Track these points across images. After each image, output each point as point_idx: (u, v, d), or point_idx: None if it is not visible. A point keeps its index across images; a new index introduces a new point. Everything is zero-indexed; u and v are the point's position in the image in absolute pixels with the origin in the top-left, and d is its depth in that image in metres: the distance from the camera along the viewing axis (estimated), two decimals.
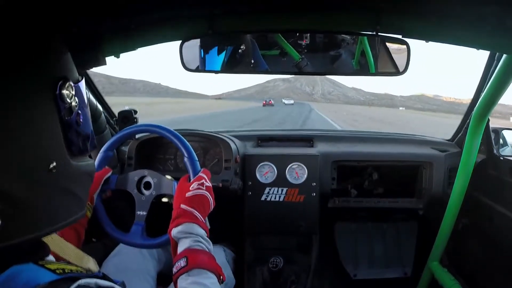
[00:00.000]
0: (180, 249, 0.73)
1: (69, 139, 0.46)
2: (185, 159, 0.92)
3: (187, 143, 0.95)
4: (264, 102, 53.76)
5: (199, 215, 0.78)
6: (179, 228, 0.75)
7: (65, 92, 0.45)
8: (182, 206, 0.78)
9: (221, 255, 1.20)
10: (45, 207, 0.44)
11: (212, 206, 0.84)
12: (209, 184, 0.86)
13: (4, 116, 0.39)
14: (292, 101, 67.27)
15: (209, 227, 0.81)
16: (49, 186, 0.44)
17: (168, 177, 0.97)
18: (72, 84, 0.47)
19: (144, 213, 0.94)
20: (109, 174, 0.96)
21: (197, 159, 0.94)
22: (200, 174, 0.88)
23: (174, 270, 0.69)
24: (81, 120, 0.49)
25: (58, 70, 0.46)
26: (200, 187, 0.83)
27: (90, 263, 0.62)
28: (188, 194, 0.81)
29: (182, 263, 0.68)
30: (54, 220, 0.46)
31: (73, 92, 0.47)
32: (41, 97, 0.43)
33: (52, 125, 0.44)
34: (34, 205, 0.43)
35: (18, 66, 0.41)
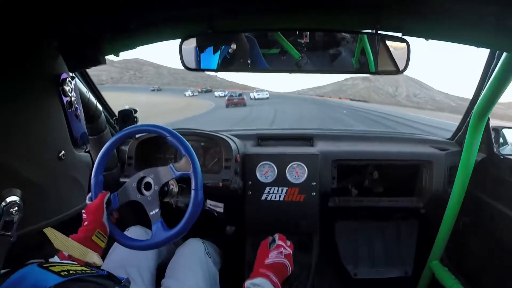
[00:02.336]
0: None
1: (71, 130, 0.51)
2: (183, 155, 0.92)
3: (186, 141, 0.95)
4: (229, 99, 28.52)
5: (275, 278, 0.85)
6: (254, 280, 0.82)
7: (66, 87, 0.50)
8: (261, 270, 0.87)
9: (200, 247, 1.17)
10: (58, 194, 0.49)
11: (289, 272, 0.92)
12: (288, 251, 0.96)
13: (20, 111, 0.44)
14: (266, 95, 38.28)
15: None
16: (60, 173, 0.49)
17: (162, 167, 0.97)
18: (71, 80, 0.52)
19: (157, 210, 0.93)
20: (108, 195, 0.95)
21: (197, 158, 0.94)
22: (278, 242, 0.99)
23: None
24: (78, 113, 0.54)
25: (58, 68, 0.51)
26: (279, 256, 0.93)
27: (95, 258, 0.65)
28: (267, 262, 0.90)
29: None
30: (64, 207, 0.50)
31: (72, 87, 0.52)
32: (48, 92, 0.48)
33: (58, 117, 0.49)
34: (49, 192, 0.47)
35: (28, 67, 0.46)
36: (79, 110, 0.54)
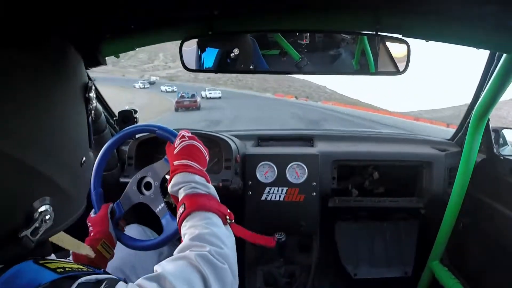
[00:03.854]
0: (180, 200, 0.69)
1: (90, 135, 0.54)
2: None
3: (174, 131, 0.92)
4: (179, 101, 21.46)
5: (192, 163, 0.73)
6: (172, 181, 0.71)
7: (91, 94, 0.52)
8: (174, 163, 0.75)
9: None
10: (76, 197, 0.51)
11: (205, 151, 0.79)
12: (189, 134, 0.82)
13: (55, 120, 0.45)
14: (219, 94, 33.10)
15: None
16: (81, 179, 0.51)
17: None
18: (93, 88, 0.53)
19: (162, 204, 0.91)
20: (111, 206, 0.92)
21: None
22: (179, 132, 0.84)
23: (177, 220, 0.67)
24: (93, 118, 0.56)
25: (84, 76, 0.53)
26: (183, 139, 0.78)
27: (87, 250, 0.66)
28: (175, 151, 0.77)
29: (181, 210, 0.66)
30: (79, 207, 0.53)
31: (94, 95, 0.54)
32: (78, 99, 0.50)
33: (84, 124, 0.51)
34: (72, 198, 0.49)
35: (62, 74, 0.47)
36: (93, 113, 0.56)
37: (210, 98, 32.06)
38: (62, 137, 0.46)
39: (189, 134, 0.81)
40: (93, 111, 0.54)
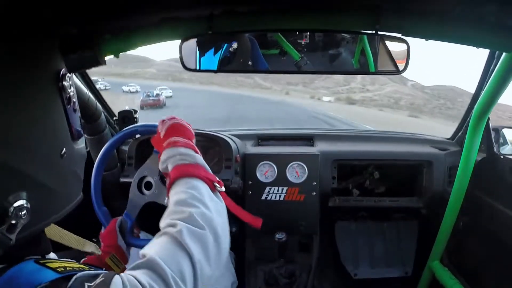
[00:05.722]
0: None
1: (71, 125, 0.52)
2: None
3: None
4: (144, 100, 21.83)
5: (177, 137, 0.71)
6: (161, 160, 0.69)
7: (65, 83, 0.50)
8: (163, 145, 0.72)
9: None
10: (60, 191, 0.49)
11: (188, 125, 0.76)
12: (169, 116, 0.79)
13: (23, 112, 0.43)
14: (170, 93, 28.21)
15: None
16: (62, 171, 0.50)
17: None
18: (69, 75, 0.51)
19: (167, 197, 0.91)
20: (119, 220, 0.90)
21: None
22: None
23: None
24: (76, 107, 0.54)
25: (57, 64, 0.51)
26: (164, 123, 0.76)
27: (93, 248, 0.66)
28: (161, 136, 0.74)
29: (167, 181, 0.65)
30: (67, 201, 0.51)
31: (71, 83, 0.52)
32: (50, 90, 0.48)
33: (60, 114, 0.50)
34: (52, 191, 0.48)
35: (30, 66, 0.45)
36: (76, 104, 0.54)
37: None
38: (32, 128, 0.44)
39: (168, 116, 0.79)
40: (73, 100, 0.52)
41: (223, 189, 0.66)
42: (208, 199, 0.58)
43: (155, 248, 0.48)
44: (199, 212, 0.54)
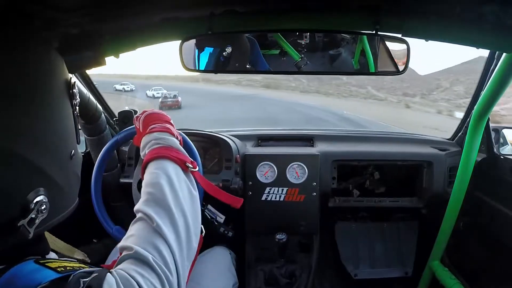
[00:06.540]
0: None
1: (76, 130, 0.56)
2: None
3: (190, 141, 0.93)
4: (163, 102, 21.49)
5: (151, 125, 0.73)
6: (140, 148, 0.71)
7: (75, 90, 0.55)
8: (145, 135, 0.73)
9: (227, 257, 1.18)
10: (68, 191, 0.53)
11: (160, 111, 0.79)
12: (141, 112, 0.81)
13: (45, 115, 0.48)
14: (163, 91, 25.35)
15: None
16: (71, 172, 0.53)
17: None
18: (76, 83, 0.55)
19: None
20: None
21: (199, 158, 0.93)
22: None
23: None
24: (78, 114, 0.58)
25: (66, 74, 0.55)
26: (138, 118, 0.78)
27: (81, 256, 0.68)
28: (140, 131, 0.76)
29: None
30: (69, 203, 0.54)
31: (77, 90, 0.56)
32: (63, 96, 0.53)
33: (70, 118, 0.54)
34: (64, 190, 0.51)
35: (49, 74, 0.50)
36: (78, 109, 0.58)
37: (157, 97, 28.71)
38: (50, 128, 0.49)
39: (141, 112, 0.81)
40: (77, 107, 0.57)
41: (197, 169, 0.68)
42: (175, 178, 0.60)
43: (137, 240, 0.50)
44: (165, 190, 0.56)
